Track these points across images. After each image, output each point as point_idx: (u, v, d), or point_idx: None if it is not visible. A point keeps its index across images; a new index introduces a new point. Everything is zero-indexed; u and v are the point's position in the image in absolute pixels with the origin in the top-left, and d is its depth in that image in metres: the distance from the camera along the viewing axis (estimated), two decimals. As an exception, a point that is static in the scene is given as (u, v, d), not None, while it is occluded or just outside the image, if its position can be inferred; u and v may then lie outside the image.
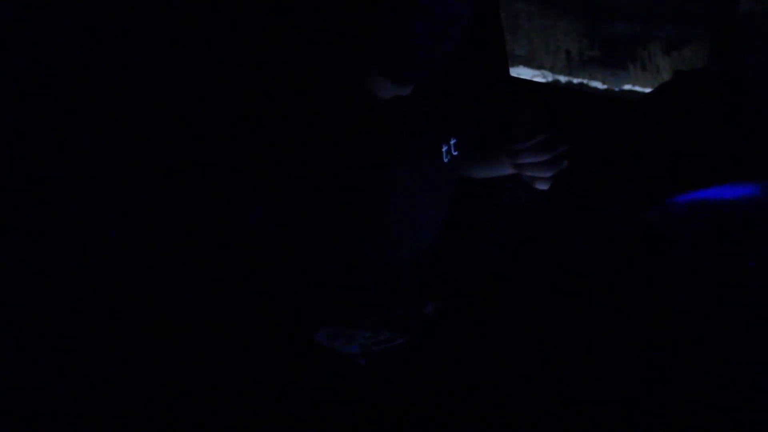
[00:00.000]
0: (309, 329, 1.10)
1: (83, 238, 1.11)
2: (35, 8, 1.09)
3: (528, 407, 0.79)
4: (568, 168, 1.10)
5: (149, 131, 1.13)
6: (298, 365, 1.05)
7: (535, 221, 1.35)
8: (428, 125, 1.15)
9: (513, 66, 4.26)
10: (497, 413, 0.81)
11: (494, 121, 1.29)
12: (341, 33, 1.14)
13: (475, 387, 0.85)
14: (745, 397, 0.77)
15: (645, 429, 0.76)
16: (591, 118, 1.71)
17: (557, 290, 0.97)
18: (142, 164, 1.12)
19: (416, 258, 1.21)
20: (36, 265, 1.09)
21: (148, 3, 1.13)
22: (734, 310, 0.84)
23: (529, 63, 4.23)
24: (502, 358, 0.89)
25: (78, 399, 0.98)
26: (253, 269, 1.12)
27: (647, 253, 0.99)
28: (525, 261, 1.09)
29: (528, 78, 3.53)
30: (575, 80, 4.05)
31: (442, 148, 1.17)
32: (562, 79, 4.09)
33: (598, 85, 4.03)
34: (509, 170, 1.19)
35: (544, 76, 4.13)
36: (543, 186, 1.10)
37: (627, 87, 4.01)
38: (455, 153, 1.18)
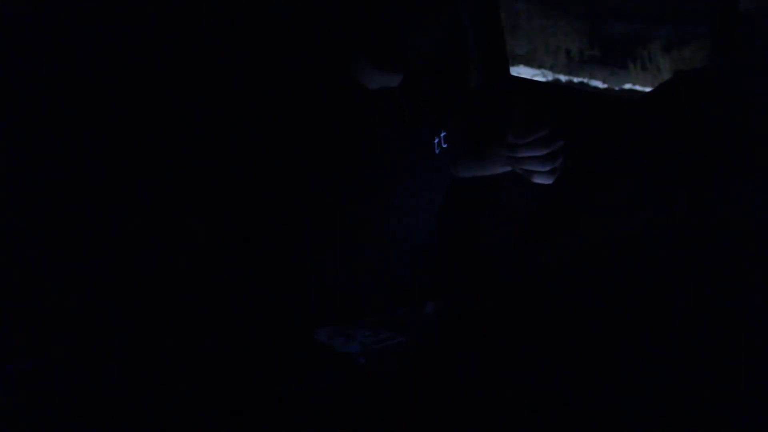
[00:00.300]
0: (309, 328, 1.10)
1: (80, 238, 1.11)
2: (35, 8, 1.09)
3: (528, 407, 0.79)
4: (568, 166, 1.09)
5: (142, 130, 1.13)
6: (298, 364, 1.05)
7: (534, 220, 1.35)
8: (419, 117, 1.14)
9: (513, 65, 4.27)
10: (496, 413, 0.81)
11: (487, 116, 1.29)
12: (327, 23, 1.13)
13: (475, 386, 0.85)
14: (745, 396, 0.77)
15: (645, 429, 0.76)
16: (592, 117, 1.71)
17: (557, 289, 0.97)
18: (136, 164, 1.12)
19: (414, 256, 1.21)
20: (33, 266, 1.09)
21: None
22: (733, 310, 0.83)
23: (529, 62, 4.23)
24: (501, 358, 0.89)
25: (74, 399, 0.98)
26: (252, 269, 1.12)
27: (647, 253, 0.99)
28: (525, 260, 1.09)
29: (528, 77, 3.53)
30: (576, 79, 4.06)
31: (433, 140, 1.17)
32: (563, 78, 4.10)
33: (598, 84, 4.03)
34: (506, 166, 1.18)
35: (545, 76, 4.14)
36: (540, 181, 1.09)
37: (627, 86, 4.02)
38: (445, 145, 1.17)
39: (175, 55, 1.15)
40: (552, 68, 4.18)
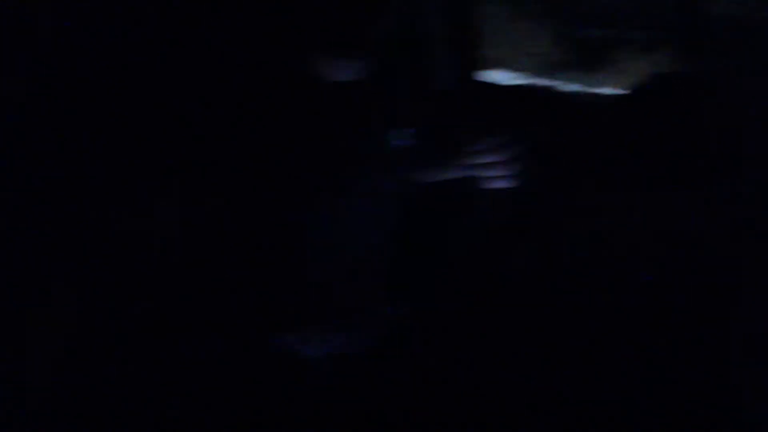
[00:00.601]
0: (267, 335, 1.08)
1: (54, 237, 1.08)
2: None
3: (479, 407, 0.79)
4: (533, 170, 1.10)
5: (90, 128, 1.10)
6: (257, 370, 1.03)
7: (501, 222, 1.35)
8: (377, 112, 1.14)
9: (488, 68, 4.28)
10: (452, 412, 0.80)
11: (451, 120, 1.28)
12: (278, 8, 1.11)
13: (436, 387, 0.84)
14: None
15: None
16: (566, 120, 1.72)
17: (526, 290, 0.96)
18: (92, 163, 1.09)
19: (374, 258, 1.20)
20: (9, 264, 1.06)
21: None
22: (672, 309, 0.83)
23: (504, 66, 4.25)
24: (463, 358, 0.88)
25: (40, 400, 0.96)
26: (208, 276, 1.10)
27: (620, 252, 0.99)
28: (492, 262, 1.09)
29: (503, 80, 3.54)
30: (550, 83, 4.08)
31: (390, 136, 1.16)
32: (538, 81, 4.11)
33: (573, 87, 4.05)
34: (464, 171, 1.18)
35: (520, 79, 4.15)
36: (498, 185, 1.10)
37: (602, 89, 4.05)
38: (404, 143, 1.17)
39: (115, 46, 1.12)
40: (528, 72, 4.20)
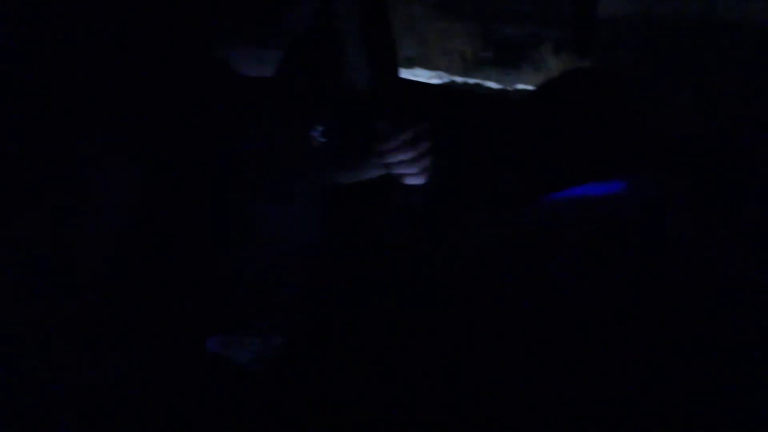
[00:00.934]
0: (199, 338, 1.07)
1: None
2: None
3: (408, 407, 0.80)
4: (447, 166, 1.12)
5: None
6: (190, 375, 1.02)
7: (416, 220, 1.37)
8: (294, 112, 1.13)
9: (408, 67, 4.33)
10: (382, 412, 0.81)
11: (366, 120, 1.29)
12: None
13: (364, 387, 0.85)
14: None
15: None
16: (481, 117, 1.76)
17: (452, 285, 0.98)
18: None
19: (299, 258, 1.20)
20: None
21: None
22: (602, 309, 0.87)
23: (424, 64, 4.30)
24: (392, 359, 0.90)
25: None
26: (134, 281, 1.07)
27: (535, 248, 1.02)
28: (415, 256, 1.11)
29: (423, 79, 3.59)
30: (470, 81, 4.16)
31: (311, 134, 1.16)
32: (458, 79, 4.19)
33: (492, 85, 4.14)
34: (380, 170, 1.20)
35: (440, 77, 4.21)
36: (412, 182, 1.12)
37: (520, 86, 4.16)
38: (323, 140, 1.17)
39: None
40: (447, 70, 4.27)
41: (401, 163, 1.10)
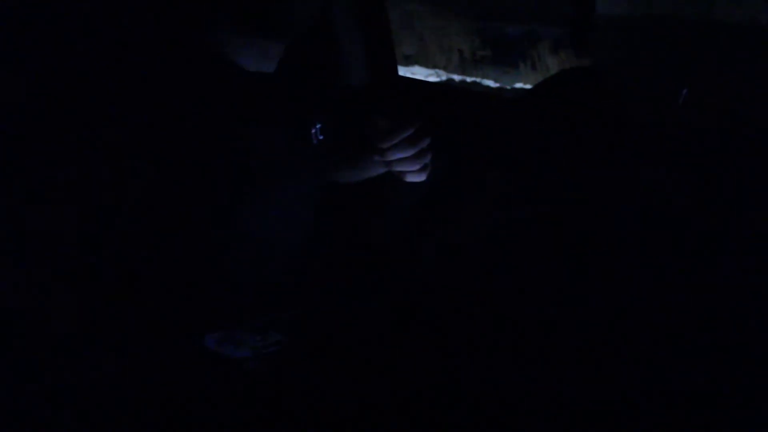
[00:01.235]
0: (196, 335, 1.07)
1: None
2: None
3: (403, 405, 0.81)
4: (445, 164, 1.12)
5: None
6: (187, 372, 1.02)
7: (412, 217, 1.37)
8: (294, 108, 1.13)
9: (407, 65, 4.33)
10: (382, 410, 0.81)
11: (363, 117, 1.28)
12: None
13: (363, 387, 0.86)
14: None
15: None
16: (482, 114, 1.76)
17: (444, 284, 0.99)
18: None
19: (296, 255, 1.20)
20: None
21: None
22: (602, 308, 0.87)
23: (423, 62, 4.31)
24: (388, 357, 0.90)
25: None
26: (130, 278, 1.08)
27: (530, 244, 1.03)
28: (409, 253, 1.11)
29: (422, 77, 3.59)
30: (468, 79, 4.17)
31: (310, 131, 1.16)
32: (456, 77, 4.20)
33: (490, 83, 4.15)
34: (380, 169, 1.20)
35: (438, 75, 4.22)
36: (413, 179, 1.12)
37: (518, 85, 4.16)
38: (321, 137, 1.17)
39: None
40: (445, 68, 4.28)
41: (402, 160, 1.09)
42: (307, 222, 1.22)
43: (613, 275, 0.91)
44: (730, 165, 1.13)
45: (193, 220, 1.07)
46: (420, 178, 1.11)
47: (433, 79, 3.95)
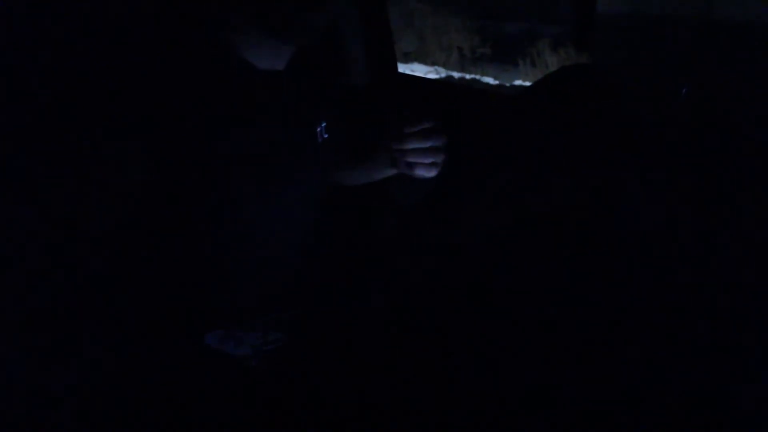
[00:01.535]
0: (199, 333, 1.07)
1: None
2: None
3: (402, 403, 0.81)
4: (454, 159, 1.12)
5: None
6: (189, 369, 1.02)
7: (419, 212, 1.37)
8: (301, 106, 1.13)
9: (406, 62, 4.33)
10: (381, 409, 0.82)
11: (371, 116, 1.28)
12: None
13: (367, 385, 0.86)
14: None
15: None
16: (481, 111, 1.76)
17: (448, 280, 0.99)
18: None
19: (297, 254, 1.20)
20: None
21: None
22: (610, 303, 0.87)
23: (422, 59, 4.31)
24: (388, 355, 0.90)
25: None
26: (135, 275, 1.08)
27: (533, 242, 1.03)
28: (414, 252, 1.11)
29: (421, 74, 3.59)
30: (468, 76, 4.17)
31: (316, 129, 1.16)
32: (455, 74, 4.20)
33: (489, 80, 4.15)
34: (391, 169, 1.20)
35: (438, 72, 4.22)
36: (421, 173, 1.12)
37: (517, 82, 4.16)
38: (326, 136, 1.17)
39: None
40: (445, 66, 4.28)
41: (416, 151, 1.09)
42: (309, 222, 1.22)
43: (613, 275, 0.91)
44: (729, 165, 1.13)
45: (195, 219, 1.07)
46: (429, 173, 1.11)
47: (432, 76, 3.95)
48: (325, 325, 1.06)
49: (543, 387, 0.80)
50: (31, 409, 0.91)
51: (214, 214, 1.07)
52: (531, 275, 0.96)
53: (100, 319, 1.05)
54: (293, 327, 1.08)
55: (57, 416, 0.91)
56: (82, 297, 1.05)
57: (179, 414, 0.93)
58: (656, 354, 0.83)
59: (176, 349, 1.04)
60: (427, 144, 1.09)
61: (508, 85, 4.08)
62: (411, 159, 1.10)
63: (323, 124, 1.17)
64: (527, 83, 4.04)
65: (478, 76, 4.16)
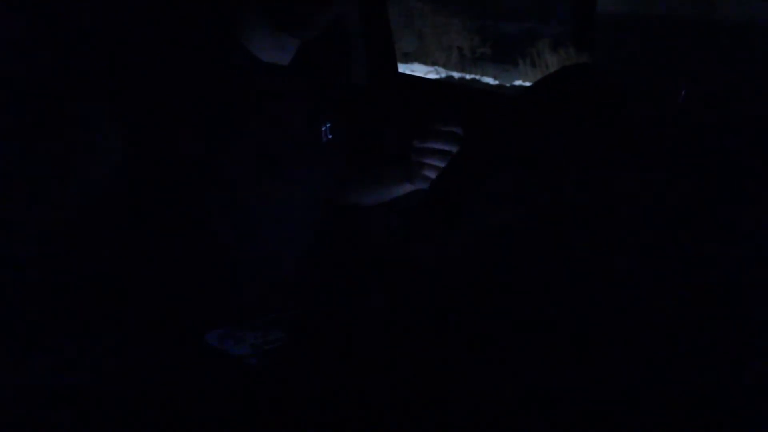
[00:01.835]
0: (198, 332, 1.07)
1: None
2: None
3: (402, 402, 0.81)
4: (454, 159, 1.12)
5: None
6: (188, 368, 1.02)
7: (421, 211, 1.37)
8: (306, 103, 1.13)
9: (406, 62, 4.33)
10: (381, 408, 0.82)
11: (377, 122, 1.28)
12: None
13: (364, 384, 0.86)
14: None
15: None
16: (483, 111, 1.76)
17: (450, 280, 0.99)
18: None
19: (302, 252, 1.20)
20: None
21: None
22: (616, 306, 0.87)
23: (422, 59, 4.31)
24: (388, 354, 0.90)
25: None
26: (136, 273, 1.08)
27: (535, 241, 1.03)
28: (415, 252, 1.11)
29: (421, 74, 3.60)
30: (468, 76, 4.17)
31: (320, 128, 1.16)
32: (455, 74, 4.20)
33: (489, 80, 4.16)
34: (404, 180, 1.20)
35: (438, 72, 4.23)
36: (428, 174, 1.12)
37: (517, 82, 4.17)
38: (330, 136, 1.17)
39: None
40: (445, 65, 4.29)
41: (435, 153, 1.09)
42: (310, 222, 1.22)
43: (613, 275, 0.91)
44: (730, 164, 1.13)
45: (196, 217, 1.07)
46: (434, 174, 1.11)
47: (432, 76, 3.95)
48: (325, 325, 1.06)
49: (543, 387, 0.80)
50: (31, 409, 0.91)
51: (215, 212, 1.07)
52: (531, 275, 0.96)
53: (100, 318, 1.05)
54: (293, 326, 1.08)
55: (57, 416, 0.91)
56: (82, 296, 1.05)
57: (179, 413, 0.93)
58: (656, 354, 0.83)
59: (176, 347, 1.04)
60: (447, 146, 1.09)
61: (508, 85, 4.09)
62: (428, 161, 1.10)
63: (328, 125, 1.16)
64: (527, 83, 4.04)
65: (478, 76, 4.17)
